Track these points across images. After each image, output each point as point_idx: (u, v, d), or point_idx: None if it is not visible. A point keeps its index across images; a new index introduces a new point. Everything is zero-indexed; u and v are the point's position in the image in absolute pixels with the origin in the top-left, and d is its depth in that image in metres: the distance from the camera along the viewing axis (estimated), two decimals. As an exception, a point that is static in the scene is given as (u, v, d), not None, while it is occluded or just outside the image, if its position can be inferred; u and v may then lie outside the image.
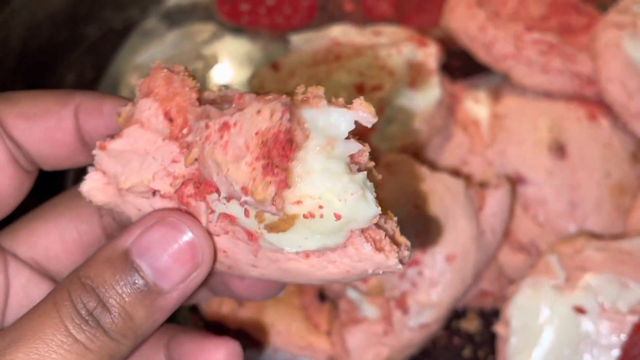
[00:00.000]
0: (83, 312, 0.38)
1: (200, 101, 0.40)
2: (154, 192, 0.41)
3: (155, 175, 0.40)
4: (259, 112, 0.37)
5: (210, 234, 0.41)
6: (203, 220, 0.40)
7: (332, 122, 0.38)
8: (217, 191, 0.39)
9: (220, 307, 0.74)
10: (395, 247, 0.39)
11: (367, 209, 0.37)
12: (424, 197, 0.69)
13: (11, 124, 0.44)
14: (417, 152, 0.78)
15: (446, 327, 0.74)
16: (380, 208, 0.37)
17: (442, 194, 0.69)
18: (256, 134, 0.37)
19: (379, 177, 0.40)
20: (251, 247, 0.40)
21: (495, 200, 0.70)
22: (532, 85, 0.78)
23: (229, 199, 0.38)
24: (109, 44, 0.95)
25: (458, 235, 0.68)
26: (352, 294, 0.70)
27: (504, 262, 0.75)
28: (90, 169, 0.42)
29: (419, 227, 0.68)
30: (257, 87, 0.80)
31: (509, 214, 0.72)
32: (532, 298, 0.66)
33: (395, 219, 0.40)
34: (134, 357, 0.45)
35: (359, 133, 0.73)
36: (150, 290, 0.40)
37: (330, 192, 0.36)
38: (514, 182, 0.75)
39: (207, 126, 0.38)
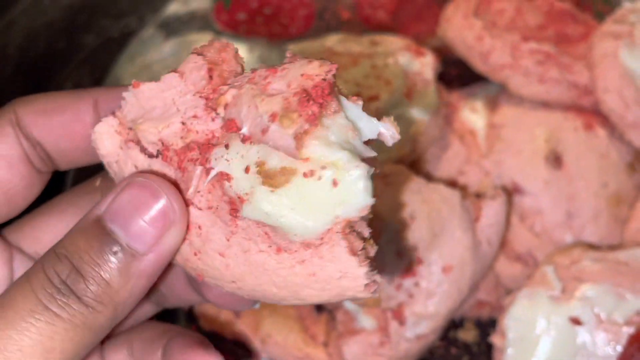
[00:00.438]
0: (55, 280, 0.38)
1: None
2: (157, 154, 0.41)
3: (171, 124, 0.41)
4: (310, 61, 0.39)
5: (188, 203, 0.41)
6: (193, 184, 0.40)
7: (359, 123, 0.39)
8: (237, 134, 0.39)
9: (217, 317, 0.74)
10: (368, 261, 0.39)
11: (362, 195, 0.37)
12: (420, 208, 0.69)
13: (29, 122, 0.45)
14: (413, 162, 0.78)
15: (443, 337, 0.74)
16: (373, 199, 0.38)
17: (438, 205, 0.69)
18: (302, 75, 0.38)
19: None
20: (228, 227, 0.40)
21: (492, 211, 0.70)
22: (529, 95, 0.78)
23: (245, 140, 0.39)
24: (107, 53, 0.96)
25: (454, 246, 0.68)
26: (349, 305, 0.70)
27: (501, 272, 0.75)
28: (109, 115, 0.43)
29: (415, 238, 0.68)
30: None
31: (506, 224, 0.72)
32: (529, 309, 0.66)
33: (376, 247, 0.40)
34: (134, 352, 0.46)
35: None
36: (125, 253, 0.39)
37: (338, 161, 0.37)
38: (511, 192, 0.75)
39: (252, 71, 0.40)
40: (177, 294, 0.49)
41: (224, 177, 0.39)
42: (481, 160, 0.77)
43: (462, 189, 0.74)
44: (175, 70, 0.42)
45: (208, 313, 0.75)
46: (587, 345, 0.64)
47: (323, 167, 0.37)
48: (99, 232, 0.39)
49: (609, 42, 0.75)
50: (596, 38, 0.77)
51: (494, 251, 0.71)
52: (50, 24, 0.94)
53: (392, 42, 0.84)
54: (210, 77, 0.41)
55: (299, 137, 0.37)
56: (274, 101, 0.38)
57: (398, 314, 0.68)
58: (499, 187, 0.74)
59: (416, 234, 0.68)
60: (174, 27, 0.97)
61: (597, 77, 0.75)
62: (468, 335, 0.75)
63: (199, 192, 0.40)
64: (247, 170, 0.39)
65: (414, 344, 0.69)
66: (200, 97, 0.41)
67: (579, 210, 0.74)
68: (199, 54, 0.41)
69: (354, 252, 0.38)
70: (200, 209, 0.41)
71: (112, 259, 0.39)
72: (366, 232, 0.39)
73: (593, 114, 0.77)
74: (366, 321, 0.69)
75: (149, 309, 0.50)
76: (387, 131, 0.39)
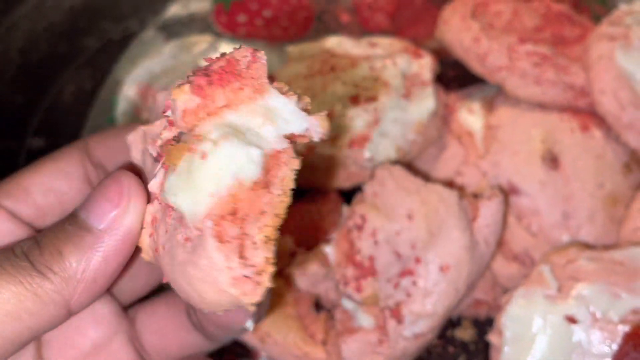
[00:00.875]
0: (17, 251, 0.40)
1: None
2: (157, 157, 0.43)
3: (162, 132, 0.42)
4: (240, 49, 0.40)
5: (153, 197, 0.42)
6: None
7: (286, 115, 0.39)
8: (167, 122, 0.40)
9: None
10: (238, 254, 0.37)
11: (229, 171, 0.36)
12: (418, 207, 0.69)
13: (93, 145, 0.52)
14: (411, 163, 0.79)
15: (441, 336, 0.75)
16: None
17: (435, 205, 0.69)
18: (225, 56, 0.39)
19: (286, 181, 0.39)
20: (165, 217, 0.41)
21: (489, 211, 0.71)
22: (525, 96, 0.79)
23: (170, 124, 0.40)
24: (108, 55, 0.96)
25: (452, 246, 0.69)
26: (347, 303, 0.70)
27: (498, 271, 0.75)
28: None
29: (412, 238, 0.69)
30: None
31: (503, 224, 0.72)
32: (525, 308, 0.66)
33: (268, 247, 0.37)
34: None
35: (355, 142, 0.74)
36: (81, 226, 0.41)
37: (218, 137, 0.37)
38: (508, 192, 0.75)
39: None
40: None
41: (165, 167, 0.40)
42: (478, 161, 0.78)
43: (460, 189, 0.74)
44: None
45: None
46: (583, 343, 0.65)
47: (202, 142, 0.37)
48: (68, 217, 0.42)
49: (604, 44, 0.76)
50: (592, 40, 0.78)
51: (491, 251, 0.71)
52: (51, 27, 0.95)
53: (391, 44, 0.85)
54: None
55: (187, 112, 0.37)
56: (181, 89, 0.39)
57: (396, 313, 0.68)
58: (496, 188, 0.74)
59: (414, 234, 0.69)
60: (174, 30, 0.98)
61: (593, 78, 0.76)
62: (465, 334, 0.76)
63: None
64: (161, 154, 0.40)
65: (411, 342, 0.69)
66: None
67: (575, 211, 0.74)
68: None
69: (221, 241, 0.36)
70: (160, 202, 0.42)
71: (68, 231, 0.41)
72: (253, 227, 0.37)
73: (589, 115, 0.78)
74: (364, 320, 0.69)
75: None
76: (314, 127, 0.39)
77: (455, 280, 0.69)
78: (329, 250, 0.72)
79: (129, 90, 0.93)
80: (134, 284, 0.52)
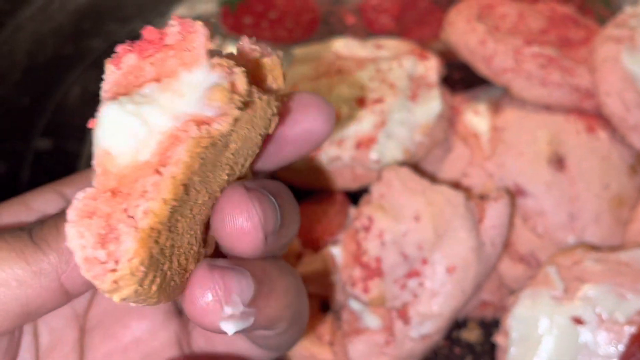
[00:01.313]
0: (25, 228, 0.39)
1: None
2: None
3: None
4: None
5: None
6: None
7: (199, 92, 0.35)
8: None
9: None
10: (101, 242, 0.33)
11: (107, 139, 0.34)
12: (424, 209, 0.70)
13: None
14: (417, 164, 0.79)
15: (447, 337, 0.75)
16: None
17: (442, 206, 0.70)
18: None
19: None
20: None
21: (495, 213, 0.71)
22: (531, 98, 0.79)
23: None
24: (114, 57, 0.96)
25: (458, 247, 0.69)
26: (354, 304, 0.71)
27: (504, 272, 0.75)
28: None
29: (419, 239, 0.69)
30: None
31: (509, 225, 0.73)
32: (531, 309, 0.67)
33: (135, 245, 0.33)
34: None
35: (362, 144, 0.75)
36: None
37: (109, 113, 0.34)
38: (514, 194, 0.76)
39: None
40: None
41: None
42: (484, 163, 0.78)
43: (466, 191, 0.74)
44: None
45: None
46: (589, 344, 0.65)
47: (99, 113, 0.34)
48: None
49: (610, 46, 0.76)
50: (598, 42, 0.78)
51: (497, 252, 0.72)
52: (57, 29, 0.95)
53: (397, 46, 0.85)
54: None
55: (114, 84, 0.35)
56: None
57: (403, 314, 0.69)
58: (502, 189, 0.75)
59: (421, 235, 0.69)
60: (180, 32, 0.98)
61: (598, 80, 0.76)
62: (471, 335, 0.76)
63: None
64: None
65: (418, 343, 0.69)
66: None
67: (580, 212, 0.75)
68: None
69: (83, 216, 0.33)
70: None
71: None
72: (126, 209, 0.33)
73: (595, 116, 0.78)
74: (371, 320, 0.69)
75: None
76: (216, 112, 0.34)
77: (462, 282, 0.69)
78: (336, 251, 0.72)
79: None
80: None
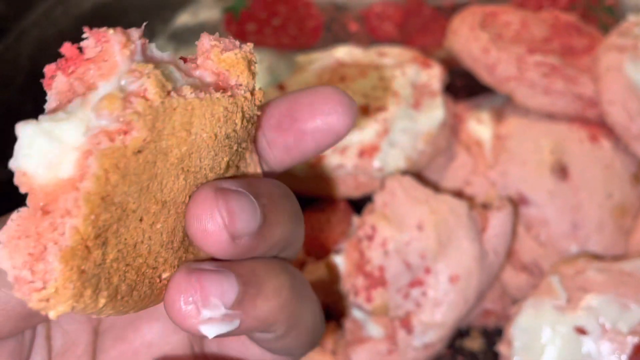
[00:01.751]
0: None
1: None
2: None
3: None
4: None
5: None
6: None
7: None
8: None
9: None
10: (31, 263, 0.32)
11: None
12: (427, 218, 0.70)
13: None
14: (420, 173, 0.79)
15: (450, 346, 0.75)
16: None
17: (445, 215, 0.70)
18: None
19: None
20: None
21: (498, 222, 0.71)
22: (534, 106, 0.79)
23: None
24: (117, 63, 0.97)
25: (461, 257, 0.69)
26: (357, 313, 0.71)
27: (507, 281, 0.76)
28: None
29: (422, 248, 0.69)
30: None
31: (512, 235, 0.73)
32: (534, 318, 0.67)
33: (62, 266, 0.32)
34: None
35: (365, 152, 0.75)
36: None
37: (24, 129, 0.32)
38: (517, 202, 0.76)
39: None
40: None
41: None
42: (487, 171, 0.78)
43: (469, 200, 0.75)
44: None
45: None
46: (592, 354, 0.65)
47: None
48: None
49: (613, 55, 0.76)
50: (601, 51, 0.78)
51: (500, 261, 0.72)
52: (61, 35, 0.95)
53: (400, 54, 0.85)
54: None
55: (59, 101, 0.35)
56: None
57: (406, 323, 0.69)
58: (505, 198, 0.75)
59: (424, 244, 0.69)
60: (183, 38, 0.98)
61: (601, 89, 0.76)
62: (474, 344, 0.76)
63: None
64: None
65: (421, 352, 0.69)
66: None
67: (583, 221, 0.75)
68: None
69: (15, 237, 0.33)
70: None
71: None
72: (52, 228, 0.32)
73: (598, 125, 0.78)
74: (374, 329, 0.70)
75: None
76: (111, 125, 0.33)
77: (465, 291, 0.69)
78: (339, 260, 0.72)
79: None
80: None
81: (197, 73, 0.38)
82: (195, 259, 0.41)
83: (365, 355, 0.69)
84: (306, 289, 0.45)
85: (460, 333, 0.76)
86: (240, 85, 0.39)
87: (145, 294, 0.38)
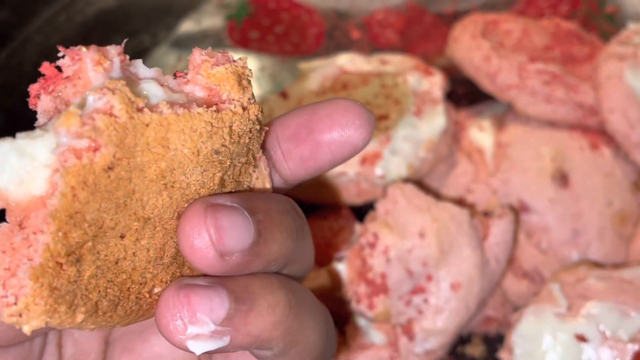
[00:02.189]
0: None
1: None
2: None
3: None
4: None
5: None
6: None
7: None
8: None
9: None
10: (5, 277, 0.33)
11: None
12: (429, 225, 0.70)
13: None
14: (421, 180, 0.80)
15: (451, 353, 0.76)
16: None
17: (447, 223, 0.70)
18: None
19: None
20: None
21: (500, 230, 0.71)
22: (535, 114, 0.79)
23: None
24: (121, 70, 0.97)
25: (463, 264, 0.69)
26: (359, 320, 0.71)
27: (508, 288, 0.76)
28: None
29: (424, 256, 0.70)
30: (267, 115, 0.82)
31: (513, 242, 0.73)
32: (535, 326, 0.67)
33: (32, 283, 0.33)
34: None
35: (367, 160, 0.75)
36: None
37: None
38: (518, 210, 0.76)
39: None
40: None
41: None
42: (488, 179, 0.78)
43: (470, 207, 0.75)
44: None
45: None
46: (593, 361, 0.65)
47: None
48: None
49: (613, 63, 0.77)
50: (601, 59, 0.78)
51: (501, 269, 0.72)
52: (64, 41, 0.95)
53: (401, 62, 0.86)
54: None
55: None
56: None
57: (407, 330, 0.69)
58: (506, 206, 0.75)
59: (425, 251, 0.70)
60: (186, 45, 0.99)
61: (602, 97, 0.76)
62: (475, 350, 0.76)
63: None
64: None
65: (422, 359, 0.70)
66: None
67: (584, 228, 0.75)
68: None
69: None
70: None
71: None
72: (28, 244, 0.33)
73: (598, 133, 0.79)
74: (376, 336, 0.70)
75: None
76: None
77: (466, 298, 0.69)
78: (341, 267, 0.72)
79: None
80: None
81: (187, 88, 0.38)
82: (192, 274, 0.41)
83: (367, 362, 0.70)
84: (308, 306, 0.44)
85: (462, 340, 0.77)
86: (233, 100, 0.38)
87: (131, 309, 0.38)
